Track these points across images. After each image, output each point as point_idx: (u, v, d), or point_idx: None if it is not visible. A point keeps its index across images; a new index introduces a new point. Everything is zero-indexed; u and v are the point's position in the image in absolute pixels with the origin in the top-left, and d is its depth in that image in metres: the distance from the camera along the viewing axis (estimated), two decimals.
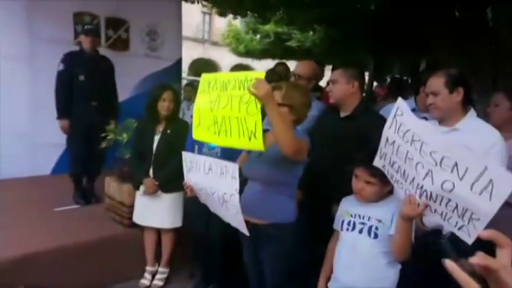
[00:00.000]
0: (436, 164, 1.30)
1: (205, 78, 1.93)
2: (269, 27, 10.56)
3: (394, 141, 1.48)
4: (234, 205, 1.68)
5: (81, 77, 3.40)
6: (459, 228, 1.29)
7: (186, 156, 1.98)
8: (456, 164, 1.24)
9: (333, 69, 2.88)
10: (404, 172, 1.44)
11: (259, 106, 1.57)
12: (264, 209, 1.81)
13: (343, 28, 6.59)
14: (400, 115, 1.46)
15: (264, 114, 1.60)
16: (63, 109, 3.39)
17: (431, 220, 1.43)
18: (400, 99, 1.50)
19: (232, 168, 1.66)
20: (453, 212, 1.30)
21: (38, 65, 4.36)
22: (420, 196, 1.39)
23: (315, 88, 3.25)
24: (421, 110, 2.62)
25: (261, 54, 12.08)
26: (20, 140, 4.39)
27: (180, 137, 2.75)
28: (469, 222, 1.25)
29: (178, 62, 5.86)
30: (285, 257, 1.94)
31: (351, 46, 7.81)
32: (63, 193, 3.64)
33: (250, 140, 1.60)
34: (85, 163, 3.54)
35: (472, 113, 1.84)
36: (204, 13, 19.46)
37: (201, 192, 1.94)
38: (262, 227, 1.87)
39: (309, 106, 1.92)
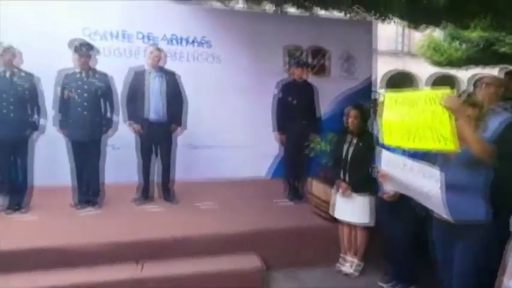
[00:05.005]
0: None
1: (390, 96, 2.41)
2: (475, 34, 9.73)
3: None
4: (437, 199, 2.00)
5: (293, 100, 4.34)
6: None
7: (385, 153, 2.44)
8: None
9: None
10: None
11: (451, 116, 1.93)
12: (457, 209, 2.00)
13: None
14: None
15: None
16: (280, 126, 4.40)
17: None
18: None
19: (435, 174, 1.99)
20: None
21: (259, 92, 5.50)
22: None
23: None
24: None
25: (465, 63, 11.14)
26: (243, 150, 5.63)
27: (368, 148, 3.24)
28: None
29: (370, 81, 6.38)
30: (476, 254, 2.14)
31: None
32: (277, 192, 4.64)
33: (445, 144, 1.96)
34: (296, 168, 4.47)
35: None
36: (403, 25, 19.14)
37: (396, 181, 2.37)
38: (455, 225, 2.12)
39: None
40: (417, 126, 2.14)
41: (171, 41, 5.37)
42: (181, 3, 6.22)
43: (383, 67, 19.13)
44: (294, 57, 5.77)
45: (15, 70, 3.84)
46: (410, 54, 20.43)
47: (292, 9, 6.52)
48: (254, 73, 5.69)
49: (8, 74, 3.80)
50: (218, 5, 6.62)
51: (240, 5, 6.45)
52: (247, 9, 6.38)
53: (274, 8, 6.27)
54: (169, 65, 4.48)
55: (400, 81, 19.92)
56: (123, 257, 3.12)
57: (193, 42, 5.47)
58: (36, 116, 3.95)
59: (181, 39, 5.43)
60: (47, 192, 4.21)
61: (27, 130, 3.90)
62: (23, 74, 3.88)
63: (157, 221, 3.71)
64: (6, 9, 4.69)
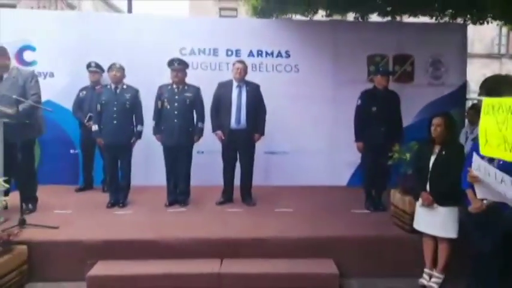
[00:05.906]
0: None
1: (488, 102, 2.30)
2: None
3: None
4: None
5: (374, 109, 4.27)
6: None
7: (475, 157, 2.40)
8: None
9: None
10: None
11: None
12: None
13: None
14: None
15: None
16: (360, 133, 4.36)
17: None
18: None
19: None
20: None
21: (339, 101, 5.56)
22: None
23: None
24: None
25: None
26: (322, 157, 5.69)
27: (454, 158, 3.11)
28: None
29: (463, 87, 5.97)
30: None
31: None
32: (355, 200, 4.59)
33: None
34: (375, 177, 4.39)
35: None
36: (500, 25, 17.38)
37: (485, 186, 2.33)
38: None
39: None
40: None
41: (253, 53, 5.67)
42: (263, 18, 6.54)
43: (478, 71, 17.56)
44: (375, 64, 5.68)
45: (120, 84, 4.41)
46: (510, 56, 18.42)
47: (374, 17, 6.43)
48: (335, 82, 5.73)
49: (113, 87, 4.39)
50: (298, 16, 6.82)
51: (320, 16, 6.55)
52: (328, 18, 6.45)
53: (354, 16, 6.25)
54: (249, 76, 4.69)
55: (497, 85, 18.02)
56: (204, 253, 3.38)
57: (272, 53, 5.71)
58: (137, 125, 4.47)
59: (262, 52, 5.69)
60: (144, 191, 4.83)
61: (131, 137, 4.44)
62: (125, 87, 4.44)
63: (237, 222, 3.93)
64: (111, 33, 5.46)
